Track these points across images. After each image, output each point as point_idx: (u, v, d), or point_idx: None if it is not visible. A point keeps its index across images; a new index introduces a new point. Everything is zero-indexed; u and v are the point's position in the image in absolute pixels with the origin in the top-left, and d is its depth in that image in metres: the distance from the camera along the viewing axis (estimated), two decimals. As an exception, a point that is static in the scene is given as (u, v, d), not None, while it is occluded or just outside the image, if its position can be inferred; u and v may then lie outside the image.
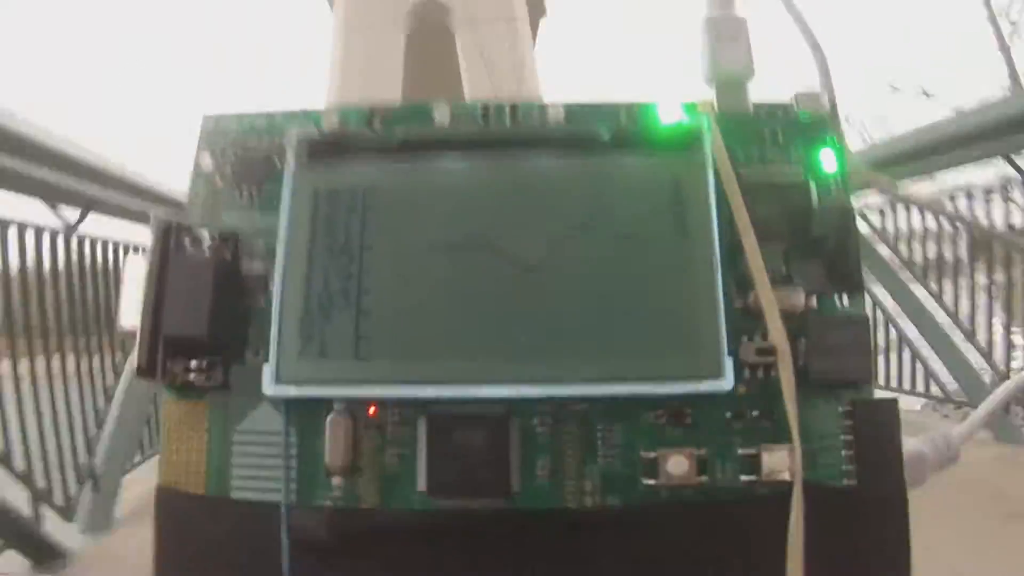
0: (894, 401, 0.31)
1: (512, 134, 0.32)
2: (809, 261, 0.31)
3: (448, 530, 0.29)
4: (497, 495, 0.29)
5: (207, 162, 0.34)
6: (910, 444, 0.32)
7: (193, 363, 0.30)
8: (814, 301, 0.31)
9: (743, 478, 0.29)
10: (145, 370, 0.30)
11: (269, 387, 0.29)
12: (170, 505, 0.31)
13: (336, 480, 0.30)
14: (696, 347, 0.29)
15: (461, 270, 0.30)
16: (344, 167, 0.32)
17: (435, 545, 0.29)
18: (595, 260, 0.30)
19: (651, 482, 0.29)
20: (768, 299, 0.30)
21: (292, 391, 0.29)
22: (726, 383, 0.29)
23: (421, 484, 0.29)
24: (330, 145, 0.32)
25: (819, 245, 0.32)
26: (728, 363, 0.29)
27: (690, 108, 0.33)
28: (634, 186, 0.31)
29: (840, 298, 0.31)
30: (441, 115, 0.33)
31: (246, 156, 0.34)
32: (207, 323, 0.30)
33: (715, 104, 0.34)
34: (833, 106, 0.35)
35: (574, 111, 0.33)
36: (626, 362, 0.29)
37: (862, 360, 0.30)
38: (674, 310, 0.29)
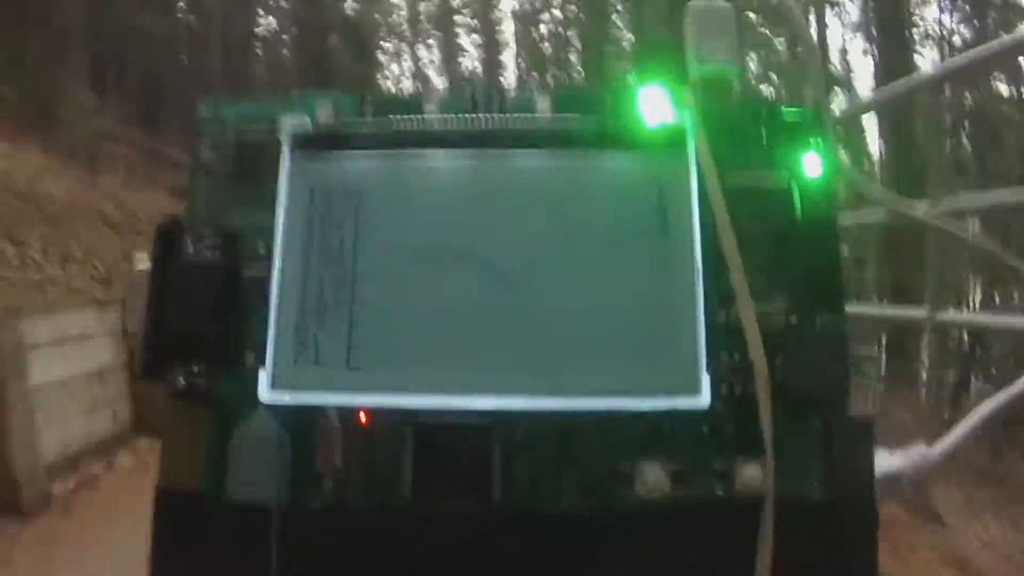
0: (869, 418, 0.31)
1: (500, 130, 0.32)
2: (790, 274, 0.31)
3: (433, 533, 0.30)
4: (479, 501, 0.30)
5: (207, 155, 0.34)
6: (887, 461, 0.33)
7: (194, 367, 0.31)
8: (793, 317, 0.31)
9: (717, 490, 0.30)
10: (147, 372, 0.31)
11: (265, 392, 0.30)
12: (168, 506, 0.32)
13: (327, 484, 0.31)
14: (674, 362, 0.29)
15: (448, 281, 0.30)
16: (338, 160, 0.31)
17: (420, 548, 0.31)
18: (577, 269, 0.30)
19: (627, 491, 0.30)
20: (748, 315, 0.30)
21: (287, 398, 0.30)
22: (703, 400, 0.29)
23: (407, 490, 0.30)
24: (323, 137, 0.32)
25: (800, 257, 0.31)
26: (705, 380, 0.29)
27: (675, 102, 0.32)
28: (617, 186, 0.31)
29: (820, 314, 0.31)
30: (431, 105, 0.33)
31: (245, 151, 0.33)
32: (210, 327, 0.31)
33: (699, 101, 0.33)
34: (821, 107, 0.34)
35: (561, 99, 0.33)
36: (605, 376, 0.29)
37: (839, 377, 0.30)
38: (654, 324, 0.30)
